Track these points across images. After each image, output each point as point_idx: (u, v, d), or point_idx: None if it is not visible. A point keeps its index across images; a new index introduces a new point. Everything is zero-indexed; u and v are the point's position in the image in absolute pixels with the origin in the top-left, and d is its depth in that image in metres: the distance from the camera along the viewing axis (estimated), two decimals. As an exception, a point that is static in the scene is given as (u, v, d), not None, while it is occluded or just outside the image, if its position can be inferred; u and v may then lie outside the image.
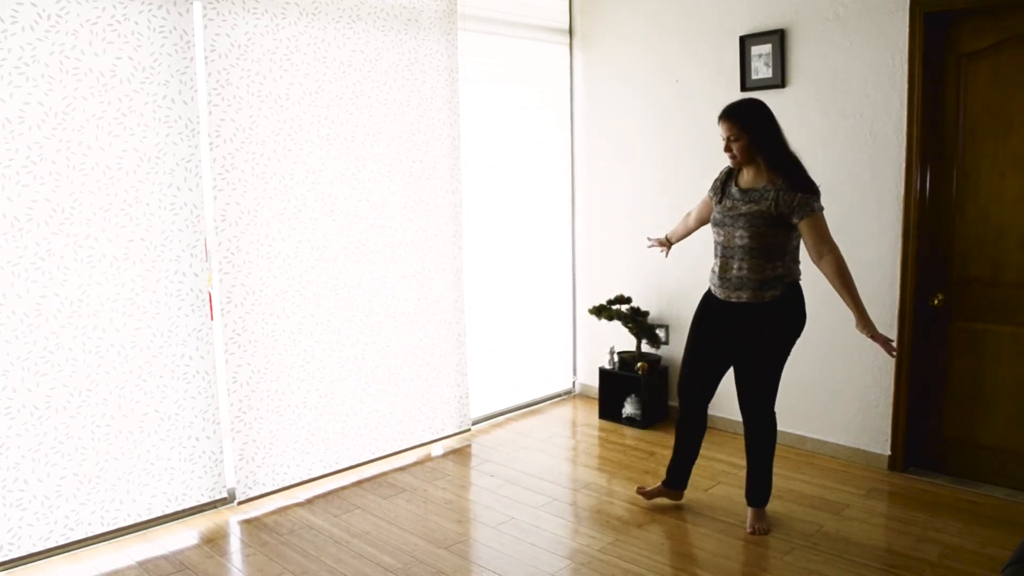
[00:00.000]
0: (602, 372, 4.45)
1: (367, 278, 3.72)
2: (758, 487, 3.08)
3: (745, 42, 3.84)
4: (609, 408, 4.43)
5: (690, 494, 3.38)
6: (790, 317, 2.91)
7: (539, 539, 3.02)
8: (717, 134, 4.04)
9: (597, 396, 4.55)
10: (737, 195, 2.90)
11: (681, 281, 4.27)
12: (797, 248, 2.90)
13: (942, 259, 3.45)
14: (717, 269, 2.97)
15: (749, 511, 3.09)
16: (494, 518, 3.22)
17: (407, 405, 3.94)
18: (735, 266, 2.88)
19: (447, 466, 3.81)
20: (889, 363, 3.53)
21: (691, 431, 3.21)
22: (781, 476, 3.54)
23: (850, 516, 3.14)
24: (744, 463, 3.71)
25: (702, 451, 3.87)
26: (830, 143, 3.62)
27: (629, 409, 4.31)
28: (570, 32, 4.67)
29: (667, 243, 3.46)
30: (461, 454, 3.98)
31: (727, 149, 2.87)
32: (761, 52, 3.79)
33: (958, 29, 3.29)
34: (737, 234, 2.86)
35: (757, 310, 2.88)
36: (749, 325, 2.91)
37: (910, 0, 3.30)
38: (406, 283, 3.88)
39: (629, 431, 4.24)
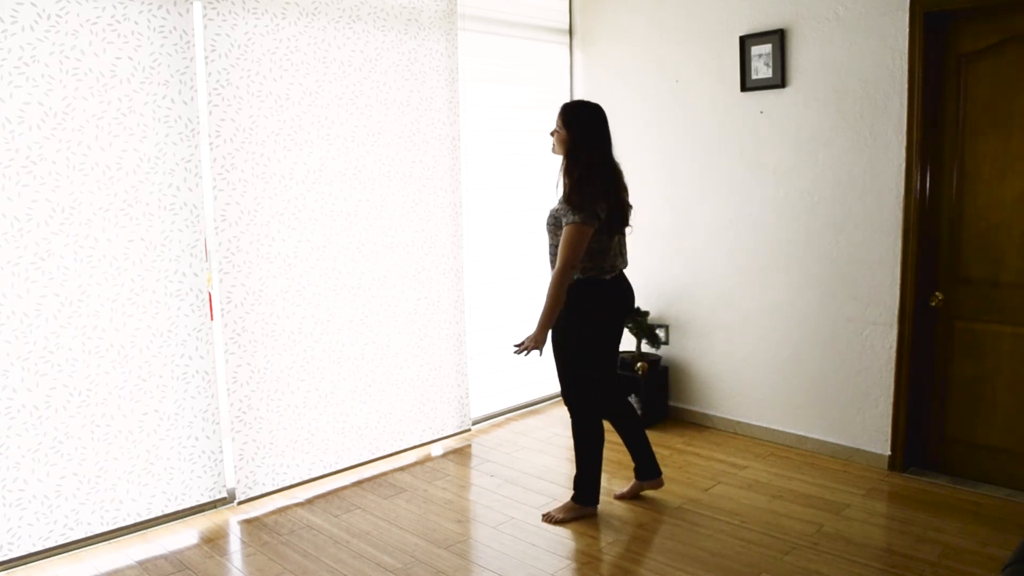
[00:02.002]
0: (602, 372, 4.45)
1: (367, 278, 3.72)
2: (581, 483, 3.16)
3: (745, 42, 3.84)
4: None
5: (690, 494, 3.38)
6: (578, 310, 2.98)
7: (539, 539, 3.02)
8: (713, 134, 4.04)
9: (597, 396, 4.55)
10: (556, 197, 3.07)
11: (681, 281, 4.28)
12: (595, 249, 2.94)
13: (942, 259, 3.45)
14: None
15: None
16: (494, 518, 3.22)
17: (407, 405, 3.94)
18: (551, 265, 3.03)
19: (447, 466, 3.81)
20: (889, 363, 3.53)
21: (621, 427, 3.30)
22: (781, 476, 3.55)
23: (850, 516, 3.14)
24: (744, 463, 3.72)
25: (702, 451, 3.88)
26: (830, 143, 3.62)
27: (629, 409, 4.31)
28: (570, 32, 4.67)
29: None
30: (461, 454, 3.98)
31: (552, 134, 3.03)
32: (761, 52, 3.79)
33: (958, 29, 3.29)
34: (548, 236, 3.04)
35: (565, 305, 2.98)
36: (561, 318, 3.01)
37: (910, 0, 3.30)
38: (406, 283, 3.88)
39: (629, 431, 4.24)
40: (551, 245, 3.02)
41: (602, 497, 3.39)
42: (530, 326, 4.70)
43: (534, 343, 2.94)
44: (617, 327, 3.12)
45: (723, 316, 4.12)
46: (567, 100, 3.08)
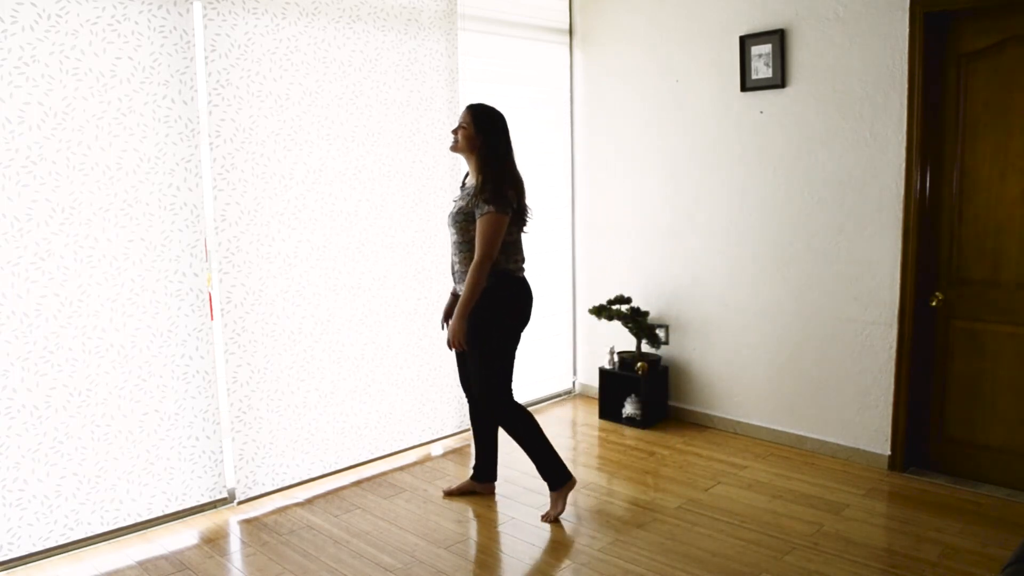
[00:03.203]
0: (602, 372, 4.45)
1: (367, 278, 3.72)
2: (543, 471, 3.18)
3: (745, 42, 3.84)
4: (609, 408, 4.43)
5: (690, 494, 3.38)
6: (496, 305, 3.02)
7: (539, 539, 3.02)
8: (713, 134, 4.04)
9: (597, 396, 4.55)
10: (459, 194, 3.16)
11: (681, 281, 4.28)
12: (508, 242, 3.03)
13: (942, 259, 3.45)
14: (449, 265, 3.16)
15: (550, 495, 3.22)
16: (494, 518, 3.22)
17: (407, 405, 3.94)
18: (455, 260, 3.10)
19: (447, 466, 3.81)
20: (889, 363, 3.53)
21: (479, 423, 3.37)
22: (781, 476, 3.55)
23: (850, 516, 3.14)
24: (744, 463, 3.72)
25: (702, 451, 3.88)
26: (830, 143, 3.62)
27: (629, 409, 4.31)
28: (570, 32, 4.67)
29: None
30: (461, 454, 3.98)
31: (454, 132, 3.06)
32: (761, 52, 3.79)
33: (958, 29, 3.29)
34: (452, 231, 3.08)
35: None
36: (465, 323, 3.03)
37: (910, 0, 3.30)
38: (406, 283, 3.88)
39: (629, 431, 4.24)
40: (459, 242, 3.05)
41: (603, 497, 3.39)
42: (530, 326, 4.70)
43: (455, 335, 3.01)
44: (523, 325, 3.17)
45: (723, 316, 4.12)
46: (475, 102, 3.12)
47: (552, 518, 3.15)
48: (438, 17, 3.91)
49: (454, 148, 3.08)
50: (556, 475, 3.17)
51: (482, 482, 3.44)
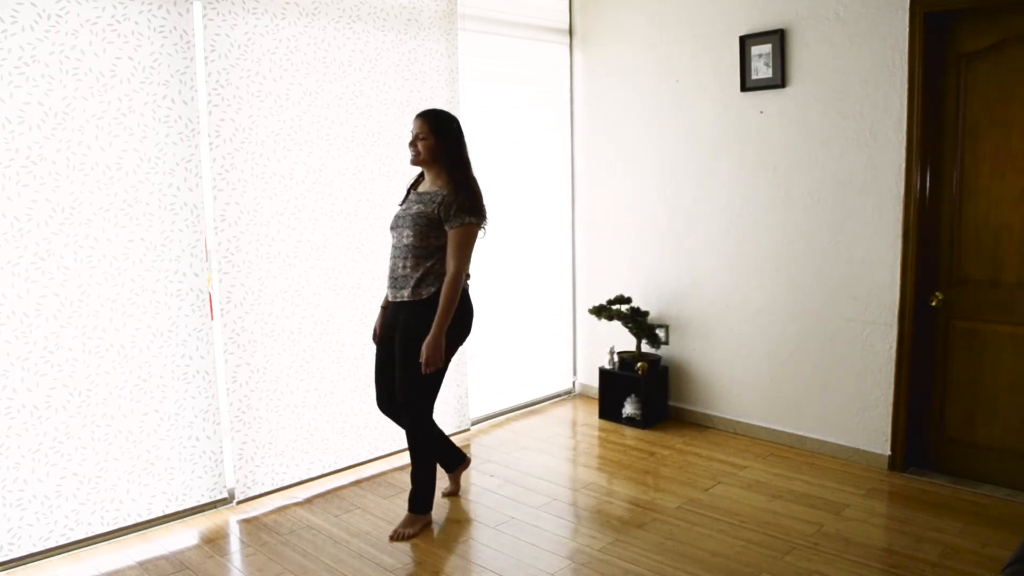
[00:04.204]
0: (602, 372, 4.45)
1: (367, 278, 3.72)
2: (418, 493, 3.09)
3: (745, 42, 3.84)
4: (609, 408, 4.43)
5: (690, 494, 3.38)
6: (455, 320, 2.91)
7: (539, 539, 3.02)
8: (713, 134, 4.04)
9: (597, 396, 4.55)
10: (413, 197, 3.01)
11: (681, 281, 4.28)
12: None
13: (942, 259, 3.45)
14: (388, 270, 3.03)
15: (405, 514, 3.12)
16: (494, 518, 3.22)
17: (407, 405, 3.94)
18: (400, 265, 2.96)
19: (447, 466, 3.81)
20: (889, 363, 3.53)
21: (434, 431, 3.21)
22: (781, 476, 3.55)
23: (850, 516, 3.14)
24: (744, 463, 3.72)
25: (702, 451, 3.88)
26: (830, 143, 3.62)
27: (629, 409, 4.31)
28: (570, 32, 4.67)
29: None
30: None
31: (411, 145, 2.96)
32: (761, 52, 3.79)
33: (958, 29, 3.29)
34: (405, 233, 2.93)
35: (414, 307, 2.92)
36: (407, 323, 2.93)
37: (910, 0, 3.30)
38: (406, 283, 3.88)
39: (629, 431, 4.24)
40: (412, 246, 2.90)
41: (603, 497, 3.39)
42: (530, 326, 4.71)
43: (436, 354, 2.85)
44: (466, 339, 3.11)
45: (723, 316, 4.12)
46: (430, 108, 3.06)
47: (400, 537, 3.03)
48: (438, 17, 3.91)
49: (416, 161, 2.96)
50: (425, 502, 3.10)
51: (455, 470, 3.40)
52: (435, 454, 3.17)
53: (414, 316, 2.91)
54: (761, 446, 3.93)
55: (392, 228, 3.03)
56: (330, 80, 3.50)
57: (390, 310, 3.08)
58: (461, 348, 3.19)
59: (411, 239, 2.91)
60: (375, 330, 3.20)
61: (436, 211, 2.88)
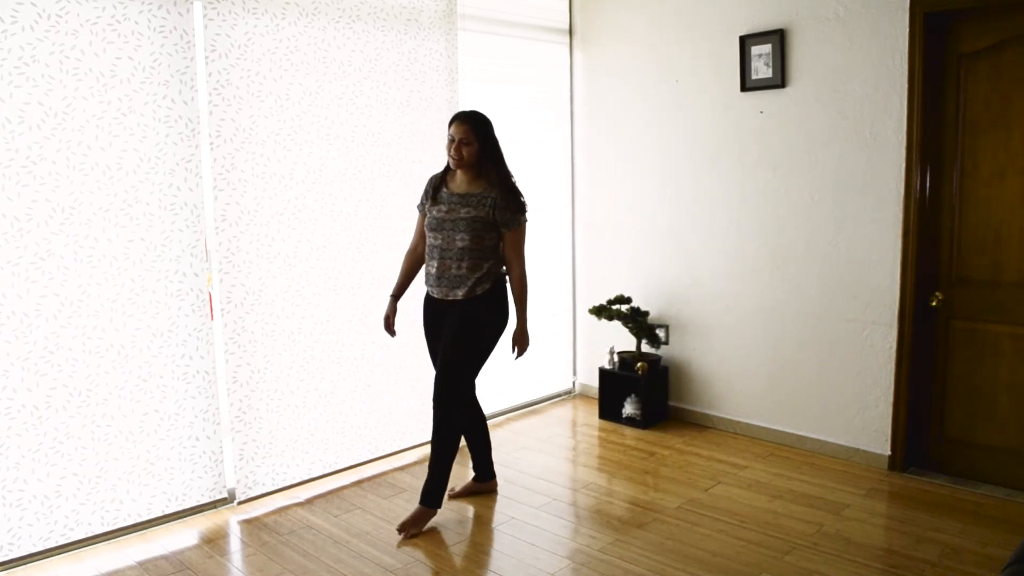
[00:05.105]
0: (602, 372, 4.45)
1: (367, 278, 3.72)
2: (432, 484, 3.10)
3: (745, 42, 3.84)
4: (609, 408, 4.43)
5: (690, 494, 3.38)
6: (498, 310, 3.11)
7: (539, 539, 3.02)
8: (713, 134, 4.04)
9: (597, 396, 4.55)
10: (454, 199, 3.04)
11: (681, 281, 4.28)
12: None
13: (942, 259, 3.45)
14: (435, 271, 3.07)
15: (416, 508, 3.12)
16: (494, 518, 3.22)
17: (406, 405, 3.94)
18: (454, 266, 3.03)
19: (447, 466, 3.80)
20: (889, 363, 3.53)
21: (467, 422, 3.33)
22: (781, 476, 3.55)
23: (850, 516, 3.14)
24: (744, 463, 3.72)
25: (702, 451, 3.88)
26: (830, 143, 3.62)
27: (629, 409, 4.31)
28: (570, 32, 4.67)
29: (395, 311, 3.30)
30: (461, 454, 3.95)
31: (455, 150, 2.98)
32: (761, 52, 3.79)
33: (958, 29, 3.29)
34: (458, 236, 3.01)
35: (469, 303, 3.03)
36: (463, 313, 3.04)
37: (910, 0, 3.30)
38: (406, 283, 3.88)
39: (629, 431, 4.24)
40: (468, 248, 2.98)
41: (603, 497, 3.39)
42: (530, 326, 4.70)
43: (525, 342, 3.15)
44: None
45: (723, 316, 4.12)
46: (467, 109, 3.09)
47: (408, 531, 3.04)
48: (438, 17, 3.91)
49: (459, 165, 3.00)
50: (437, 495, 3.11)
51: (484, 481, 3.44)
52: (455, 441, 3.17)
53: (469, 308, 3.04)
54: (761, 446, 3.93)
55: (435, 230, 3.06)
56: (330, 80, 3.50)
57: (434, 307, 3.14)
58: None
59: (466, 242, 3.00)
60: (387, 318, 3.25)
61: (491, 215, 2.98)
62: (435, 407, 3.07)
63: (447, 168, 3.13)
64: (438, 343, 3.14)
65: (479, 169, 3.02)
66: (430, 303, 3.17)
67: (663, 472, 3.65)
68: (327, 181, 3.53)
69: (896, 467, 3.55)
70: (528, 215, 3.08)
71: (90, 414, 2.94)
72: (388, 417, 3.87)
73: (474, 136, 2.96)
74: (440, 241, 3.04)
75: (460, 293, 3.02)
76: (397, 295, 3.28)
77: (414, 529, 3.06)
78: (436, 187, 3.12)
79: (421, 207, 3.19)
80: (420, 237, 3.22)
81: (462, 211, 3.00)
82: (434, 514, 3.13)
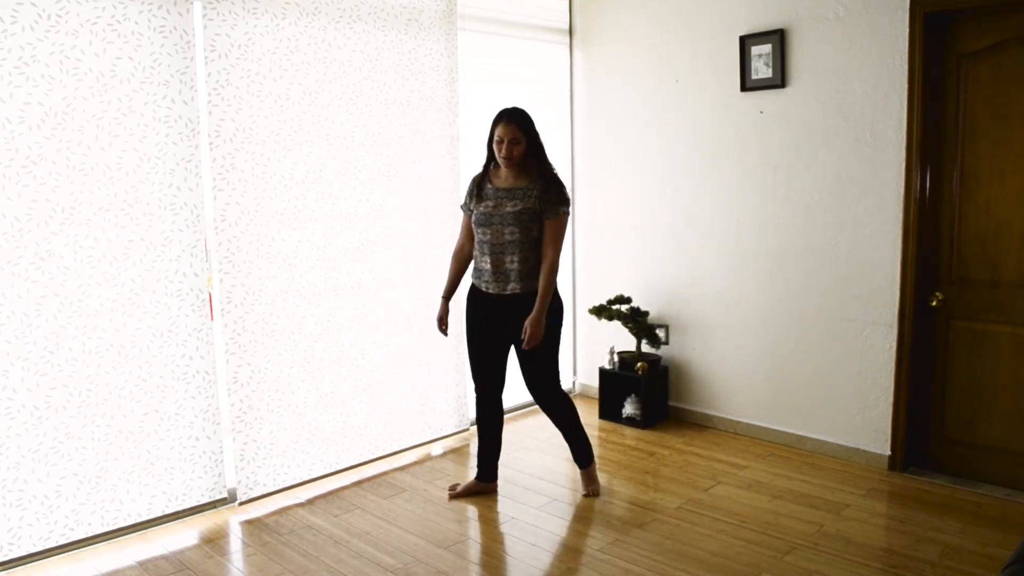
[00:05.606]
0: (602, 372, 4.45)
1: (367, 278, 3.72)
2: (578, 450, 3.39)
3: (745, 42, 3.84)
4: (609, 408, 4.43)
5: (690, 494, 3.38)
6: (554, 299, 3.14)
7: (539, 539, 3.02)
8: (713, 134, 4.04)
9: (597, 396, 4.55)
10: (500, 194, 3.11)
11: (681, 281, 4.28)
12: None
13: (942, 259, 3.45)
14: (489, 265, 3.12)
15: (579, 473, 3.43)
16: (494, 518, 3.22)
17: (406, 405, 3.94)
18: (508, 260, 3.09)
19: (447, 466, 3.81)
20: (889, 363, 3.53)
21: (490, 422, 3.40)
22: (781, 476, 3.55)
23: (850, 516, 3.14)
24: (744, 463, 3.72)
25: (702, 451, 3.88)
26: (830, 143, 3.62)
27: (629, 409, 4.31)
28: (570, 32, 4.67)
29: (448, 311, 3.37)
30: (460, 454, 3.98)
31: (506, 150, 3.04)
32: (761, 52, 3.79)
33: (958, 29, 3.29)
34: (508, 230, 3.06)
35: (527, 299, 3.08)
36: (523, 313, 3.07)
37: (910, 0, 3.30)
38: (406, 283, 3.88)
39: (629, 431, 4.25)
40: (518, 242, 3.06)
41: (603, 497, 3.39)
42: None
43: (537, 331, 3.05)
44: None
45: (723, 316, 4.12)
46: (512, 107, 3.18)
47: (592, 493, 3.38)
48: (438, 17, 3.91)
49: (509, 164, 3.08)
50: (587, 455, 3.39)
51: (486, 482, 3.44)
52: (573, 413, 3.37)
53: (529, 306, 3.07)
54: (761, 446, 3.93)
55: (483, 225, 3.11)
56: (330, 80, 3.50)
57: (488, 301, 3.18)
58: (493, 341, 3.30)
59: (517, 235, 3.06)
60: (440, 319, 3.33)
61: (536, 205, 3.04)
62: (540, 406, 3.34)
63: (487, 165, 3.20)
64: (485, 338, 3.24)
65: (524, 164, 3.10)
66: (480, 298, 3.22)
67: (663, 472, 3.65)
68: (327, 181, 3.53)
69: (896, 467, 3.55)
70: (568, 209, 3.09)
71: (90, 414, 2.94)
72: (388, 417, 3.87)
73: (522, 134, 3.06)
74: (489, 236, 3.10)
75: (516, 287, 3.09)
76: (448, 296, 3.35)
77: (594, 486, 3.40)
78: (479, 184, 3.19)
79: (465, 207, 3.24)
80: (466, 237, 3.28)
81: (508, 205, 3.07)
82: (594, 468, 3.43)
